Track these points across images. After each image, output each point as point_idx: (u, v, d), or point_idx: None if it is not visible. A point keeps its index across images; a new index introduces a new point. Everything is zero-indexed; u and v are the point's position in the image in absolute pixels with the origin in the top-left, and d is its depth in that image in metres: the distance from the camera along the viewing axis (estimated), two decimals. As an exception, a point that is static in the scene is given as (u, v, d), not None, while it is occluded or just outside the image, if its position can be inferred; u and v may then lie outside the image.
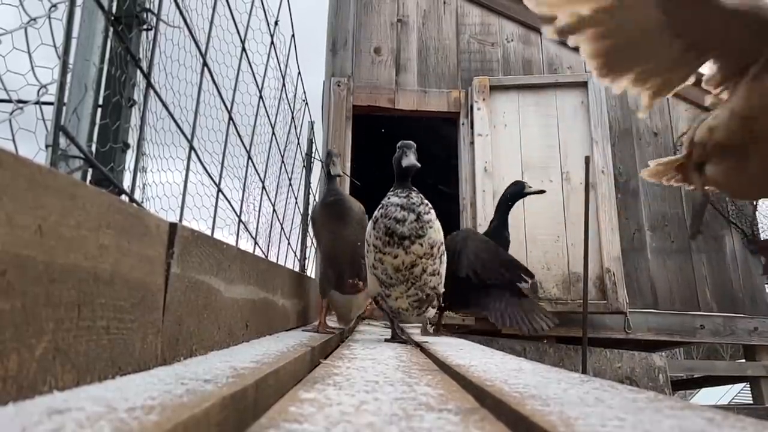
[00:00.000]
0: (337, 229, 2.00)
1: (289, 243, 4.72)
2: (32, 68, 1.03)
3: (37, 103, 1.03)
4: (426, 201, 1.67)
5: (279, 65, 3.67)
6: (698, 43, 0.91)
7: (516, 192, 3.08)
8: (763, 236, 4.86)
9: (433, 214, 1.66)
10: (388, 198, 1.67)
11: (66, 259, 0.57)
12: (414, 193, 1.67)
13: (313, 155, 5.51)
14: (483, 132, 4.42)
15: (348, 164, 4.34)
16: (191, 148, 1.94)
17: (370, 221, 1.68)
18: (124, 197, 1.40)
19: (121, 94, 1.42)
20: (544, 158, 4.35)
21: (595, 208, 4.08)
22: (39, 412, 0.44)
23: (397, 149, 1.74)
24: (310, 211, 5.33)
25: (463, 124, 4.67)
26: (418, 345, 1.60)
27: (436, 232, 1.65)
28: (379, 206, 1.67)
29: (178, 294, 0.91)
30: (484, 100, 4.51)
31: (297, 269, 4.97)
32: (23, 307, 0.50)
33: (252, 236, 3.16)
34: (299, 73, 4.66)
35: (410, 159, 1.67)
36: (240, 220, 2.78)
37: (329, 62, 4.83)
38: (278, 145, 3.84)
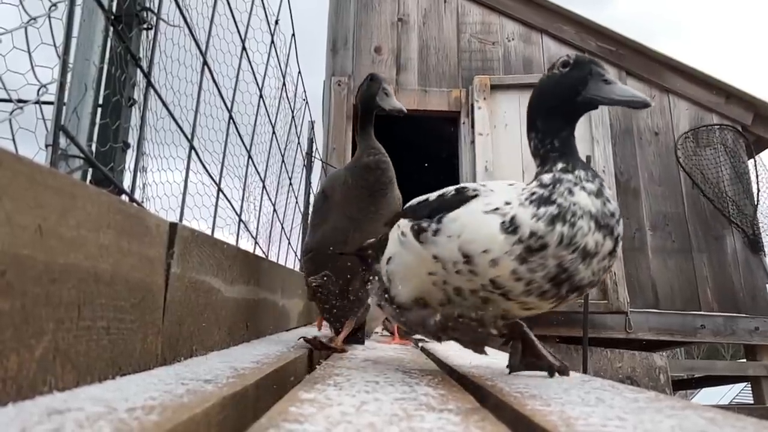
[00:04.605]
0: (367, 209, 1.29)
1: (289, 243, 4.72)
2: (32, 68, 1.03)
3: (37, 102, 1.03)
4: None
5: (279, 65, 3.67)
6: None
7: None
8: (764, 236, 4.85)
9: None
10: (569, 190, 0.80)
11: (66, 259, 0.57)
12: (608, 188, 0.85)
13: (313, 154, 5.51)
14: (484, 131, 4.42)
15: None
16: (191, 147, 1.94)
17: (502, 231, 0.80)
18: (124, 197, 1.40)
19: (121, 94, 1.42)
20: (544, 158, 4.33)
21: (596, 208, 4.07)
22: (39, 412, 0.44)
23: (573, 66, 0.94)
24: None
25: (463, 123, 4.67)
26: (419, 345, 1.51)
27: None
28: (542, 199, 0.80)
29: (179, 294, 0.91)
30: (484, 99, 4.51)
31: (297, 269, 4.96)
32: (23, 307, 0.50)
33: (252, 236, 3.16)
34: (299, 72, 4.66)
35: (627, 89, 0.88)
36: (240, 220, 2.78)
37: (329, 62, 4.83)
38: (278, 144, 3.84)
